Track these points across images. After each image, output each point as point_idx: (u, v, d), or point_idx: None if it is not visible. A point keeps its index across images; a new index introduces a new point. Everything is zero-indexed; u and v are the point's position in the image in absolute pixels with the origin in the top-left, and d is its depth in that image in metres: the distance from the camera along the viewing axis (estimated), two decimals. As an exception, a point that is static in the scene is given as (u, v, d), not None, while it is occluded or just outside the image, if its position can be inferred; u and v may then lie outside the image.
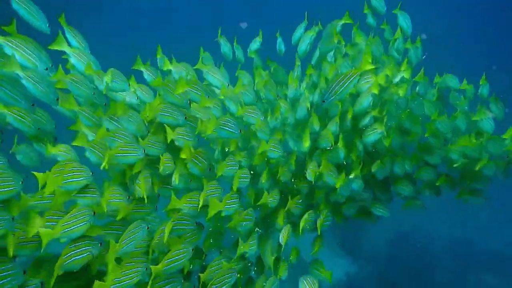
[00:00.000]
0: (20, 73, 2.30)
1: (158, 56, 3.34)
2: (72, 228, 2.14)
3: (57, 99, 2.59)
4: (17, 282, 2.00)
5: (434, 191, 4.12)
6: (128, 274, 2.28)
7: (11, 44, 2.32)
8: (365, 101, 3.32)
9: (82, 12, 15.29)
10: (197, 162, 2.82)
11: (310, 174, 3.24)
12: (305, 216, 3.30)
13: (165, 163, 2.68)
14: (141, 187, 2.55)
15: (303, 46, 3.84)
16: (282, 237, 3.12)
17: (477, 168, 3.62)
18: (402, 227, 7.88)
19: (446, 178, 3.99)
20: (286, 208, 3.34)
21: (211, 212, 2.70)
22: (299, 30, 3.93)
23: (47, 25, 2.66)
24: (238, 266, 2.96)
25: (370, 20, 4.04)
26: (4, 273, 1.94)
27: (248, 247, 2.95)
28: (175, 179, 2.77)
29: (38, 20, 2.60)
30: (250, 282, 3.27)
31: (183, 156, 2.77)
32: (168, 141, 2.75)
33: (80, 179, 2.26)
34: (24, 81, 2.34)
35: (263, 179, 3.18)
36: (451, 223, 8.93)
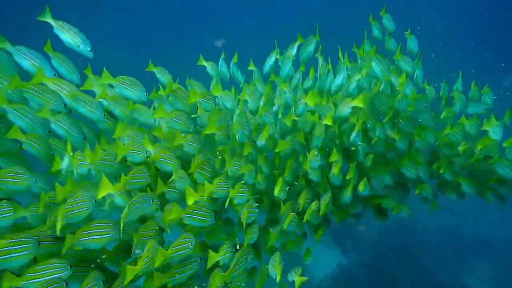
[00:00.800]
0: (51, 119, 2.53)
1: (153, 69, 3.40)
2: (74, 212, 2.25)
3: (84, 139, 2.77)
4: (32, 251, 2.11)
5: (459, 193, 4.20)
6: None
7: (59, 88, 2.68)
8: (344, 111, 3.47)
9: (82, 12, 15.33)
10: (204, 172, 2.94)
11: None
12: (312, 205, 3.38)
13: (162, 157, 2.76)
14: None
15: (286, 69, 3.86)
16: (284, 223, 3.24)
17: (491, 161, 3.71)
18: (395, 218, 7.93)
19: (470, 180, 4.04)
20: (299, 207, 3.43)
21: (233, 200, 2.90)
22: (270, 59, 3.93)
23: (78, 76, 2.89)
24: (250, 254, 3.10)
25: (376, 32, 4.09)
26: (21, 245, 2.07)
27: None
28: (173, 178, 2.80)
29: (71, 73, 2.84)
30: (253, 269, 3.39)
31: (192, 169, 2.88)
32: (176, 144, 2.86)
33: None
34: (53, 125, 2.56)
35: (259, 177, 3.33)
36: (441, 213, 9.05)
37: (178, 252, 2.50)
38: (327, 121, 3.31)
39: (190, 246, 2.57)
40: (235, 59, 3.95)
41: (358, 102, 3.39)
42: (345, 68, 3.75)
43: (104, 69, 2.84)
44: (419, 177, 3.95)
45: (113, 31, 16.11)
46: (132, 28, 16.84)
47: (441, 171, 3.88)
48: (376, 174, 3.82)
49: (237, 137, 3.13)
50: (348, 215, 4.20)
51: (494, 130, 3.76)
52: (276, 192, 3.26)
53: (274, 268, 2.95)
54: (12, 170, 2.30)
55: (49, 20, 2.75)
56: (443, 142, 3.85)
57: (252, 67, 3.96)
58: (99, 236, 2.33)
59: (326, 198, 3.51)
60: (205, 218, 2.75)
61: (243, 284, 3.02)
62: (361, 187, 3.66)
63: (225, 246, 2.83)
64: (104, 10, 16.76)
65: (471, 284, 7.78)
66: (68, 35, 2.77)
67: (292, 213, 3.30)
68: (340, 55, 3.84)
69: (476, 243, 9.25)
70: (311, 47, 3.77)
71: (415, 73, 4.03)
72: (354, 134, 3.47)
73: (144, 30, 16.93)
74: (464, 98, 4.21)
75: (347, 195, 3.64)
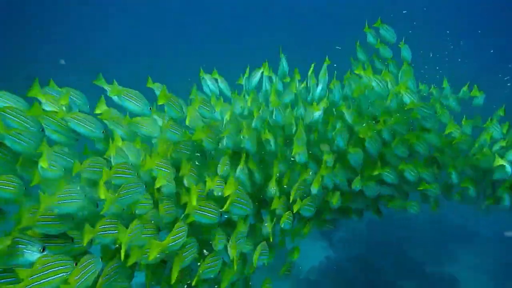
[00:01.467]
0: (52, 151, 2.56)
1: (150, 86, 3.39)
2: (66, 201, 2.32)
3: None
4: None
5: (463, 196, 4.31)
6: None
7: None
8: (316, 114, 3.66)
9: (89, 26, 15.49)
10: (193, 175, 3.07)
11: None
12: (303, 201, 3.48)
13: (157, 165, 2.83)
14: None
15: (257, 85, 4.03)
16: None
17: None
18: (395, 216, 8.07)
19: (471, 181, 4.11)
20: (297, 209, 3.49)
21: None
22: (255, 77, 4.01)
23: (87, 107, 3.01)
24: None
25: (371, 39, 4.21)
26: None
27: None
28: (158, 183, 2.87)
29: (82, 102, 2.97)
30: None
31: (183, 172, 2.98)
32: (170, 155, 3.00)
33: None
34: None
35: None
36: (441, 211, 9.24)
37: (176, 241, 2.63)
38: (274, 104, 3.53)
39: (184, 233, 2.70)
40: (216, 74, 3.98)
41: (323, 104, 3.62)
42: (324, 78, 3.89)
43: (114, 81, 2.88)
44: (423, 178, 4.02)
45: (119, 45, 16.13)
46: (137, 42, 16.90)
47: (449, 170, 3.97)
48: (367, 182, 3.91)
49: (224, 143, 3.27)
50: (351, 212, 4.33)
51: (495, 128, 3.94)
52: (269, 187, 3.39)
53: (254, 255, 3.13)
54: (5, 177, 2.33)
55: (104, 86, 2.88)
56: (447, 143, 3.94)
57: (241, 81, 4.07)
58: (113, 231, 2.43)
59: (316, 179, 3.58)
60: (213, 216, 2.88)
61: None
62: (355, 184, 3.78)
63: (219, 233, 2.98)
64: (110, 24, 16.81)
65: (462, 274, 7.94)
66: (133, 103, 2.88)
67: (288, 211, 3.43)
68: (327, 61, 3.99)
69: (473, 240, 9.45)
70: (283, 65, 3.99)
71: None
72: (338, 137, 3.63)
73: (149, 43, 16.93)
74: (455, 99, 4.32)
75: (334, 202, 3.77)
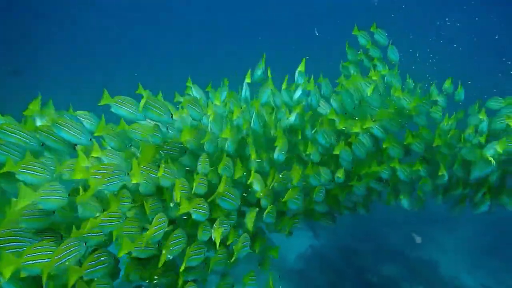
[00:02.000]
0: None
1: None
2: (49, 197, 2.44)
3: None
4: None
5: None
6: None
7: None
8: (292, 118, 3.81)
9: (96, 38, 15.55)
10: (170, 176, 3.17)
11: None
12: (292, 192, 3.59)
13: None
14: None
15: (246, 93, 4.11)
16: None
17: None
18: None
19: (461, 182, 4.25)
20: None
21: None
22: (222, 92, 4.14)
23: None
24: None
25: (362, 40, 4.37)
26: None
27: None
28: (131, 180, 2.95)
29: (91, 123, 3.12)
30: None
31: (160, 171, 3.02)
32: (151, 158, 3.10)
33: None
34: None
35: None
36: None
37: (158, 232, 2.77)
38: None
39: (165, 224, 2.85)
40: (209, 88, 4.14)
41: (298, 109, 3.79)
42: (301, 83, 4.00)
43: (105, 90, 2.89)
44: (418, 175, 4.11)
45: (126, 57, 16.14)
46: (132, 29, 16.96)
47: (440, 173, 3.98)
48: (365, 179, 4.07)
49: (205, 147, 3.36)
50: (344, 208, 4.52)
51: (483, 124, 4.00)
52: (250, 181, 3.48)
53: (234, 248, 3.27)
54: None
55: (109, 102, 2.89)
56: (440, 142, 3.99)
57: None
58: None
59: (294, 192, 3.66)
60: (204, 212, 3.03)
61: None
62: (338, 174, 3.93)
63: (204, 224, 3.12)
64: (119, 37, 16.85)
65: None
66: (125, 109, 2.94)
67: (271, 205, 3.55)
68: (303, 66, 4.07)
69: (452, 223, 9.42)
70: (259, 72, 4.09)
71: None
72: (318, 135, 3.76)
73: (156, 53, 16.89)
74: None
75: (318, 195, 3.91)
